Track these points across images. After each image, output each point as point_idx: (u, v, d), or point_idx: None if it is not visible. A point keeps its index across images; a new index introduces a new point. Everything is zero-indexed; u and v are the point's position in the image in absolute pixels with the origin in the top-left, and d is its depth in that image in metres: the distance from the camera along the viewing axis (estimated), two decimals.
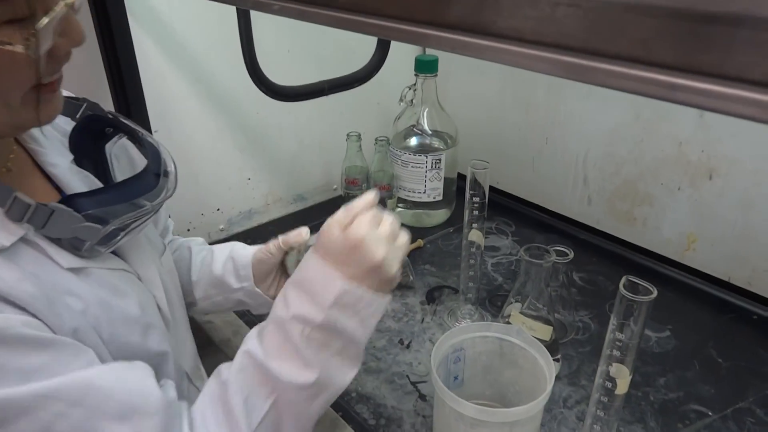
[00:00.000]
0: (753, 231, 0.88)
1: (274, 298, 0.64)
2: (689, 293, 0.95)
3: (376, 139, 1.06)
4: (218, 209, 1.08)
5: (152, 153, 0.53)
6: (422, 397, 0.76)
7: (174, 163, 0.54)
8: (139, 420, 0.43)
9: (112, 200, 0.48)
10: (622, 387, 0.57)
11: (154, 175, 0.52)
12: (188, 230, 1.05)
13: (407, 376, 0.79)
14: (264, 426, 0.48)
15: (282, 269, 0.69)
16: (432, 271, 1.02)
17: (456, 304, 0.91)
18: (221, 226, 1.09)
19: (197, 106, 0.98)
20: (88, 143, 0.56)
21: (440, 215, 1.16)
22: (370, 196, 0.54)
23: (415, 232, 1.12)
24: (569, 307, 0.87)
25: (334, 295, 0.49)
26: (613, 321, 0.54)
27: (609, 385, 0.57)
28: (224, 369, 0.51)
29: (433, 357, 0.64)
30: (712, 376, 0.79)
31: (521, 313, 0.77)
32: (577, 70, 0.26)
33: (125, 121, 0.56)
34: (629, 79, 0.25)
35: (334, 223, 0.52)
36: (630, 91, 0.25)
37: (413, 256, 1.05)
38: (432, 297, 0.95)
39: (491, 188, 1.24)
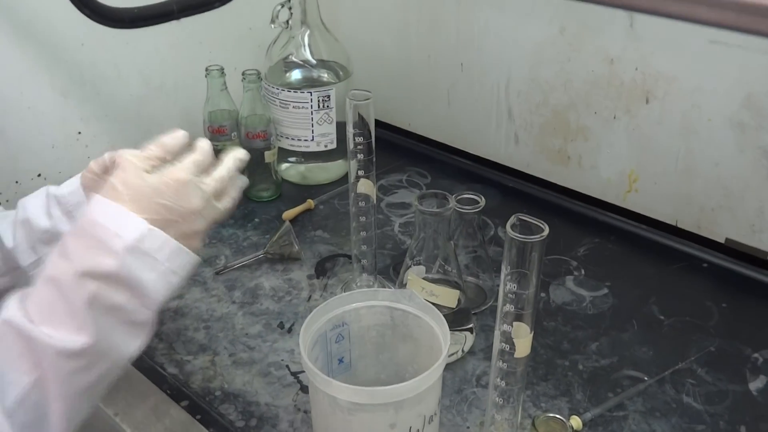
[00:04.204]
0: (696, 161, 0.94)
1: None
2: (632, 243, 1.02)
3: (243, 74, 1.05)
4: (39, 174, 1.06)
5: None
6: (304, 389, 0.78)
7: None
8: None
9: None
10: (523, 349, 0.61)
11: None
12: None
13: (287, 366, 0.81)
14: (23, 409, 0.50)
15: None
16: (324, 237, 1.04)
17: (351, 276, 0.93)
18: None
19: None
20: None
21: (335, 169, 1.18)
22: (204, 142, 0.64)
23: (304, 191, 1.14)
24: (488, 269, 0.92)
25: (134, 236, 0.53)
26: (504, 269, 0.58)
27: (507, 347, 0.61)
28: None
29: (303, 334, 0.66)
30: (651, 336, 0.85)
31: (423, 278, 0.80)
32: None
33: None
34: None
35: (137, 158, 0.58)
36: None
37: (300, 221, 1.07)
38: (323, 269, 0.97)
39: (401, 131, 1.27)
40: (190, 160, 0.60)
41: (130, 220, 0.54)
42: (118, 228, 0.54)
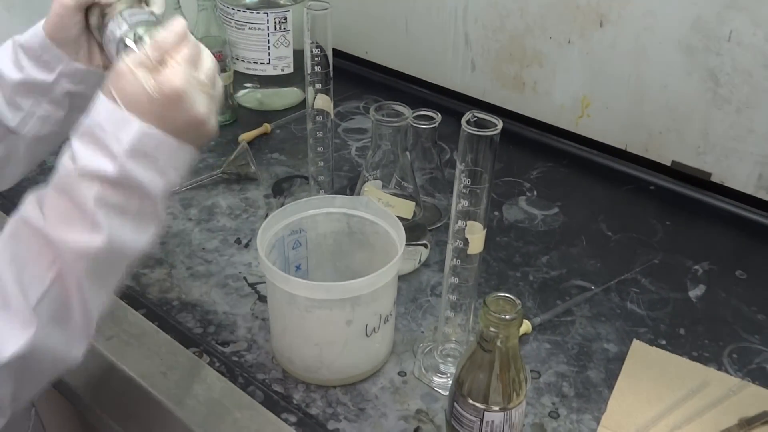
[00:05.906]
0: (646, 86, 0.97)
1: (105, 66, 0.68)
2: (583, 167, 1.05)
3: None
4: None
5: None
6: (262, 298, 0.79)
7: None
8: None
9: None
10: (476, 246, 0.63)
11: None
12: None
13: (244, 277, 0.82)
14: (47, 302, 0.51)
15: (89, 33, 0.69)
16: (281, 160, 1.04)
17: (308, 195, 0.94)
18: None
19: None
20: None
21: (292, 95, 1.17)
22: (180, 26, 0.55)
23: (261, 116, 1.13)
24: (443, 189, 0.94)
25: (130, 139, 0.52)
26: (459, 166, 0.59)
27: (461, 244, 0.63)
28: None
29: (261, 236, 0.67)
30: (599, 250, 0.89)
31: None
32: None
33: None
34: None
35: (137, 64, 0.53)
36: None
37: (257, 144, 1.07)
38: (280, 189, 0.98)
39: (358, 60, 1.27)
40: (184, 60, 0.54)
41: (129, 123, 0.53)
42: (117, 130, 0.52)
